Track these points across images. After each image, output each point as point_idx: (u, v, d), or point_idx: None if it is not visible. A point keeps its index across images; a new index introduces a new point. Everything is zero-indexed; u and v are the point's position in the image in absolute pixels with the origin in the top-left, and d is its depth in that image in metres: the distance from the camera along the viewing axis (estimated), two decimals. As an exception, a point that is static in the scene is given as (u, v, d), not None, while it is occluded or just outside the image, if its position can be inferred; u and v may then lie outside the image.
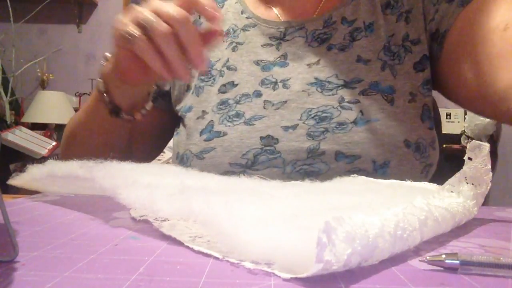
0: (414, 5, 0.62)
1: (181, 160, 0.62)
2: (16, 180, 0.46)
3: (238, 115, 0.59)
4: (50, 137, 2.25)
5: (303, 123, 0.56)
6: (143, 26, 0.45)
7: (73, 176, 0.38)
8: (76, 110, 2.55)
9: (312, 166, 0.55)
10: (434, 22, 0.61)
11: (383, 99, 0.57)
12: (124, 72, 0.52)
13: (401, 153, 0.55)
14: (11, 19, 2.41)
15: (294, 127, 0.56)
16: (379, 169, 0.54)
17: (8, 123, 2.26)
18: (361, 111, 0.56)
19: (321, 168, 0.55)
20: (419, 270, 0.24)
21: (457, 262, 0.24)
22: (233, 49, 0.65)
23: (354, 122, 0.55)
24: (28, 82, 2.60)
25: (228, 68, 0.64)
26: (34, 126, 2.31)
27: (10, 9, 2.38)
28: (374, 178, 0.52)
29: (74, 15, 2.80)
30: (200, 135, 0.60)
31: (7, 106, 2.30)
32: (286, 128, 0.57)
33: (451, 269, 0.24)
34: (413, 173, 0.56)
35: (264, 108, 0.59)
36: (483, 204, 0.35)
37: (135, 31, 0.45)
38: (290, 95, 0.59)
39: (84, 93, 2.79)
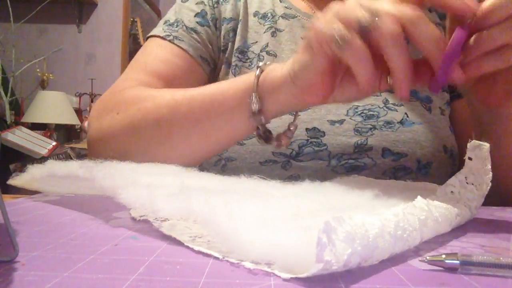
0: None
1: None
2: (16, 180, 0.46)
3: None
4: (50, 137, 2.25)
5: (350, 118, 0.58)
6: (358, 26, 0.35)
7: (73, 176, 0.38)
8: (76, 110, 2.55)
9: (358, 161, 0.56)
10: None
11: (422, 106, 0.60)
12: (310, 86, 0.41)
13: (441, 156, 0.58)
14: (11, 19, 2.41)
15: (341, 122, 0.57)
16: (423, 168, 0.57)
17: (8, 123, 2.26)
18: (406, 114, 0.58)
19: (367, 163, 0.56)
20: (419, 270, 0.24)
21: (457, 262, 0.24)
22: (272, 34, 0.64)
23: (401, 123, 0.58)
24: (28, 82, 2.60)
25: (268, 54, 0.63)
26: (34, 126, 2.31)
27: (10, 9, 2.38)
28: (416, 177, 0.55)
29: (74, 15, 2.80)
30: None
31: (7, 106, 2.30)
32: (332, 122, 0.57)
33: (451, 269, 0.24)
34: (447, 178, 0.58)
35: None
36: (483, 204, 0.35)
37: (347, 33, 0.35)
38: None
39: (84, 93, 2.79)
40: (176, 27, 0.63)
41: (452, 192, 0.36)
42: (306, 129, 0.57)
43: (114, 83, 0.63)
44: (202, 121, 0.48)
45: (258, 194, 0.37)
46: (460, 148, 0.64)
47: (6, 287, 0.20)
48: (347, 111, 0.58)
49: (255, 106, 0.44)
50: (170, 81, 0.60)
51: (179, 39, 0.62)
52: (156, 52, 0.62)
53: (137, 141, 0.52)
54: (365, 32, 0.35)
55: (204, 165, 0.61)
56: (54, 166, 0.40)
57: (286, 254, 0.23)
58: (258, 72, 0.44)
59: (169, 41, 0.62)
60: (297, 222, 0.26)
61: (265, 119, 0.45)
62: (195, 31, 0.63)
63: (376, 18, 0.35)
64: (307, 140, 0.56)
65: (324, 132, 0.56)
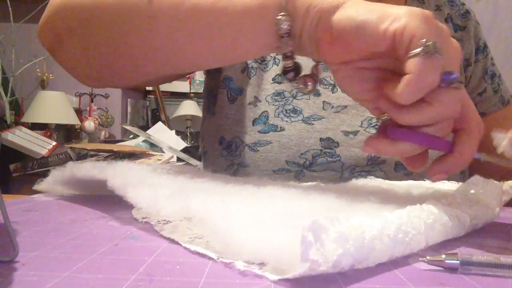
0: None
1: (228, 146, 0.59)
2: (40, 185, 0.47)
3: (295, 111, 0.58)
4: (50, 137, 2.25)
5: (364, 130, 0.57)
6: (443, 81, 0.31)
7: (90, 176, 0.38)
8: (76, 110, 2.55)
9: (370, 173, 0.55)
10: (478, 98, 0.68)
11: None
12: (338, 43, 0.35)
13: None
14: (11, 19, 2.41)
15: (355, 133, 0.57)
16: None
17: (8, 123, 2.26)
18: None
19: (379, 176, 0.55)
20: (419, 270, 0.24)
21: (457, 262, 0.24)
22: None
23: None
24: (28, 82, 2.59)
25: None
26: (34, 126, 2.31)
27: (10, 9, 2.38)
28: None
29: (74, 15, 2.80)
30: (253, 125, 0.58)
31: (7, 106, 2.30)
32: (346, 133, 0.57)
33: (451, 269, 0.24)
34: None
35: (323, 109, 0.58)
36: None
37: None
38: (350, 100, 0.59)
39: (84, 93, 2.79)
40: None
41: (473, 191, 0.35)
42: (320, 139, 0.56)
43: None
44: (211, 23, 0.38)
45: (259, 194, 0.37)
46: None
47: (6, 287, 0.20)
48: (361, 122, 0.58)
49: (284, 27, 0.35)
50: None
51: None
52: None
53: (109, 25, 0.42)
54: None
55: (215, 170, 0.60)
56: (74, 168, 0.42)
57: (278, 254, 0.22)
58: None
59: None
60: (292, 221, 0.26)
61: (292, 44, 0.36)
62: None
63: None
64: (321, 150, 0.56)
65: (338, 143, 0.56)
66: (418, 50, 0.30)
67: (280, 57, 0.61)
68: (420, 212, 0.28)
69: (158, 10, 0.39)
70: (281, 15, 0.35)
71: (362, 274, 0.23)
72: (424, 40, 0.30)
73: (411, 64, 0.30)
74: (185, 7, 0.38)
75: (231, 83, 0.61)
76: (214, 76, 0.65)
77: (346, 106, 0.58)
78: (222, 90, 0.62)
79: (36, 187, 0.48)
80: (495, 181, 0.37)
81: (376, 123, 0.58)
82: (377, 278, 0.23)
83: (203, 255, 0.25)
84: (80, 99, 2.78)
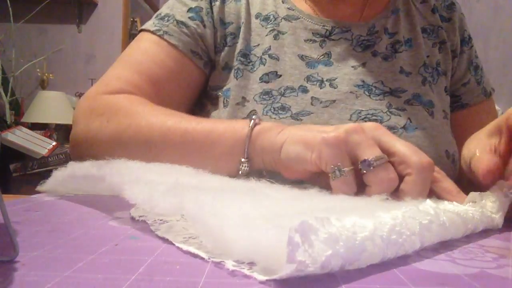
0: (446, 40, 0.69)
1: None
2: (43, 186, 0.48)
3: (283, 108, 0.58)
4: (50, 137, 2.25)
5: (353, 123, 0.57)
6: (358, 166, 0.39)
7: (90, 175, 0.38)
8: (76, 110, 2.55)
9: None
10: (462, 89, 0.70)
11: (424, 111, 0.61)
12: (293, 171, 0.45)
13: (444, 162, 0.59)
14: (11, 19, 2.41)
15: None
16: None
17: (8, 123, 2.26)
18: (409, 118, 0.59)
19: None
20: (419, 270, 0.24)
21: None
22: (275, 37, 0.63)
23: (404, 128, 0.58)
24: (28, 82, 2.60)
25: (270, 57, 0.62)
26: (34, 126, 2.31)
27: (10, 9, 2.38)
28: None
29: (74, 15, 2.80)
30: None
31: (7, 106, 2.30)
32: None
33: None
34: None
35: (312, 104, 0.59)
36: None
37: (347, 171, 0.39)
38: (338, 95, 0.59)
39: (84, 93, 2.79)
40: (167, 21, 0.63)
41: (475, 200, 0.36)
42: None
43: (104, 76, 0.62)
44: (191, 156, 0.50)
45: (254, 194, 0.37)
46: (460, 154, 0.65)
47: (6, 287, 0.20)
48: (350, 115, 0.58)
49: (244, 169, 0.47)
50: (162, 85, 0.61)
51: (169, 34, 0.61)
52: (151, 52, 0.62)
53: (122, 155, 0.51)
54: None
55: None
56: (74, 167, 0.42)
57: (267, 254, 0.22)
58: (251, 124, 0.47)
59: (159, 36, 0.62)
60: (283, 222, 0.25)
61: (250, 168, 0.48)
62: (186, 25, 0.62)
63: (377, 164, 0.38)
64: None
65: None
66: (331, 174, 0.39)
67: (266, 56, 0.62)
68: (416, 213, 0.28)
69: (163, 146, 0.51)
70: (243, 160, 0.47)
71: (362, 274, 0.23)
72: (332, 166, 0.39)
73: (333, 184, 0.40)
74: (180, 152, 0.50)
75: (228, 92, 0.62)
76: (211, 94, 0.65)
77: (334, 101, 0.59)
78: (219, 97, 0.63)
79: (39, 188, 0.48)
80: (499, 193, 0.37)
81: (365, 116, 0.58)
82: (377, 277, 0.23)
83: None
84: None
